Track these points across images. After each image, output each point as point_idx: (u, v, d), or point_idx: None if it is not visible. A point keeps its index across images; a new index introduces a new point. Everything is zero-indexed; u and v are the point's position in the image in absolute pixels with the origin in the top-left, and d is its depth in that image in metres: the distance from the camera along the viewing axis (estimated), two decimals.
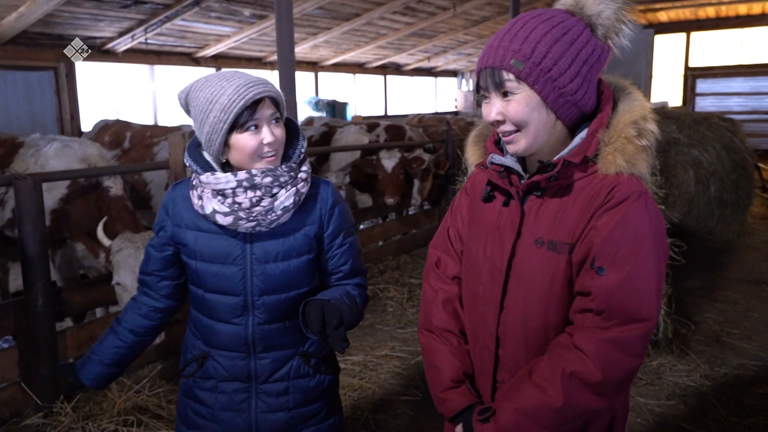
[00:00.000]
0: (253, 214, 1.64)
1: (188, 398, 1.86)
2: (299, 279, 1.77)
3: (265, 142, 1.61)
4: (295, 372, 1.80)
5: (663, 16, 16.92)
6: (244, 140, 1.61)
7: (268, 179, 1.63)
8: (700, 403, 3.56)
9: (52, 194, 3.91)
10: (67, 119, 9.57)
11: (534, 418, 1.35)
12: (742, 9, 15.60)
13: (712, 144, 7.30)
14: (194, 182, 1.71)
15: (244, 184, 1.62)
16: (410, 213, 7.83)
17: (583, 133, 1.40)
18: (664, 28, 17.50)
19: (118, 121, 6.29)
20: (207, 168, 1.67)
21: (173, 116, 11.61)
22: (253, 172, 1.63)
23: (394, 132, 7.71)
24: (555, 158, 1.39)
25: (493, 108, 1.38)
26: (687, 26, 17.18)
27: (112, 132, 5.96)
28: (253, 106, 1.59)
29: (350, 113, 14.55)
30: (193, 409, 1.84)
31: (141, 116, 10.93)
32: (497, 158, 1.48)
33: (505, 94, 1.36)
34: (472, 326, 1.58)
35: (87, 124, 9.61)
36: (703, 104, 17.02)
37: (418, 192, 6.76)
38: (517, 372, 1.46)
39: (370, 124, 7.83)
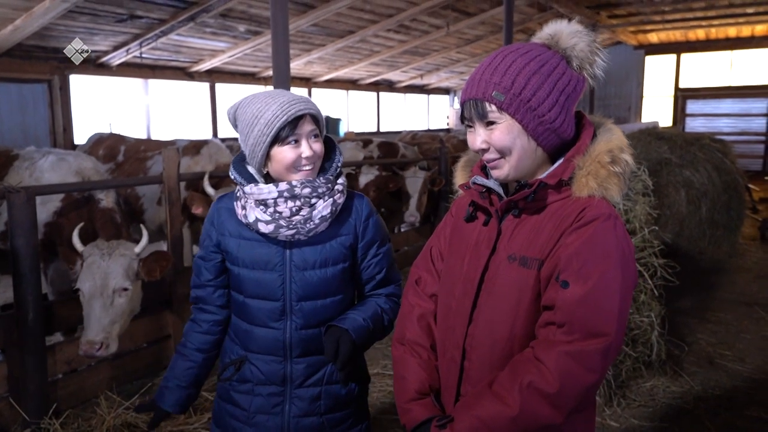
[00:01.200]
0: (293, 223, 1.75)
1: (225, 401, 1.95)
2: (335, 287, 1.87)
3: (303, 156, 1.74)
4: (328, 378, 1.89)
5: (653, 38, 17.14)
6: (284, 153, 1.73)
7: (307, 190, 1.75)
8: (694, 426, 3.55)
9: (47, 207, 3.88)
10: (59, 132, 9.54)
11: (490, 426, 1.37)
12: (732, 31, 15.84)
13: (704, 165, 7.35)
14: (238, 194, 1.84)
15: (285, 194, 1.74)
16: (402, 230, 7.82)
17: (561, 159, 1.48)
18: (654, 49, 17.74)
19: (112, 134, 6.27)
20: (251, 180, 1.81)
21: (166, 130, 11.59)
22: (293, 183, 1.74)
23: (387, 149, 7.73)
24: (531, 180, 1.48)
25: (478, 137, 1.47)
26: (677, 47, 17.41)
27: (106, 145, 5.94)
28: (295, 121, 1.72)
29: (343, 129, 14.58)
30: (229, 412, 1.92)
31: (134, 130, 10.91)
32: (480, 179, 1.56)
33: (488, 124, 1.45)
34: (441, 340, 1.63)
35: (80, 137, 9.58)
36: (693, 125, 17.20)
37: (416, 209, 6.74)
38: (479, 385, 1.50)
39: (364, 140, 7.85)
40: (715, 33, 16.16)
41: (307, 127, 1.75)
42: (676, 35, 16.69)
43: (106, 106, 10.65)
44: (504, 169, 1.47)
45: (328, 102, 15.69)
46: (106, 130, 6.65)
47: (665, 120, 17.20)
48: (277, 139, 1.72)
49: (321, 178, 1.79)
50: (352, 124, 16.41)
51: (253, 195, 1.77)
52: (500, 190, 1.54)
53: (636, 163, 4.79)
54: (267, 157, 1.76)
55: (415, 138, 10.77)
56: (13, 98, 9.02)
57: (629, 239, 1.44)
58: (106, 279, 3.34)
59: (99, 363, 3.87)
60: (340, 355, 1.74)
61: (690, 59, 17.48)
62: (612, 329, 1.34)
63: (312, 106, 1.76)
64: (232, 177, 1.84)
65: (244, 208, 1.80)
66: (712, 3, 12.93)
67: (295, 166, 1.74)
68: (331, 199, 1.79)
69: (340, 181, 1.85)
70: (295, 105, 1.72)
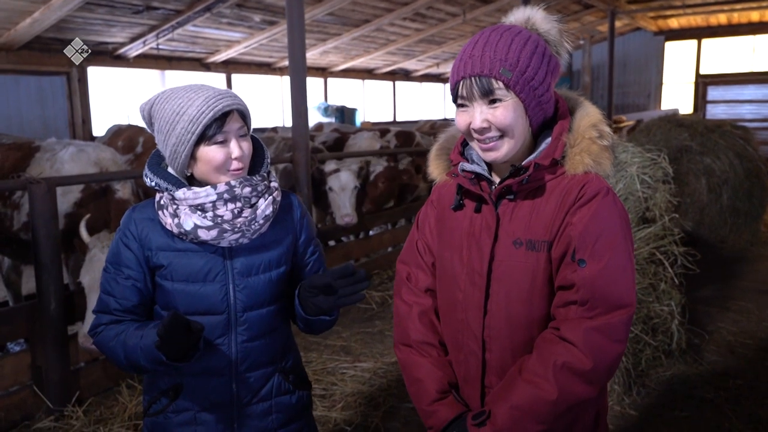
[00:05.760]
0: (237, 226, 1.61)
1: None
2: (280, 291, 1.75)
3: (233, 156, 1.59)
4: (277, 390, 1.76)
5: (674, 23, 16.87)
6: (212, 153, 1.58)
7: (247, 189, 1.62)
8: (715, 415, 3.52)
9: (67, 198, 3.92)
10: (78, 124, 9.64)
11: (530, 413, 1.38)
12: (755, 16, 15.54)
13: (725, 152, 7.26)
14: (162, 201, 1.65)
15: (225, 196, 1.59)
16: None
17: (548, 139, 1.48)
18: (675, 35, 17.46)
19: (130, 126, 6.31)
20: (178, 184, 1.63)
21: None
22: (232, 183, 1.60)
23: (404, 138, 7.72)
24: (525, 162, 1.47)
25: (478, 116, 1.42)
26: (698, 33, 17.12)
27: (125, 137, 5.98)
28: (222, 118, 1.56)
29: (359, 119, 14.57)
30: None
31: None
32: (468, 166, 1.53)
33: (492, 102, 1.41)
34: (452, 334, 1.59)
35: (98, 129, 9.67)
36: (714, 111, 16.94)
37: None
38: (504, 374, 1.50)
39: (381, 130, 7.85)
40: (738, 18, 15.87)
41: (235, 124, 1.60)
42: (697, 20, 16.41)
43: (123, 97, 10.73)
44: (502, 150, 1.44)
45: (344, 92, 15.67)
46: (124, 122, 6.69)
47: (686, 107, 16.96)
48: (203, 138, 1.56)
49: (257, 176, 1.66)
50: (368, 114, 16.38)
51: (188, 200, 1.59)
52: (489, 175, 1.53)
53: (656, 150, 4.74)
54: (191, 157, 1.60)
55: (433, 127, 10.74)
56: (32, 91, 9.12)
57: (625, 209, 1.48)
58: None
59: None
60: (331, 278, 1.55)
61: (711, 45, 17.18)
62: (632, 299, 1.40)
63: (239, 101, 1.61)
64: (152, 183, 1.65)
65: (175, 215, 1.61)
66: None
67: (224, 167, 1.59)
68: (271, 197, 1.67)
69: (272, 178, 1.73)
70: (222, 100, 1.56)
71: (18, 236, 4.11)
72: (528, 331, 1.47)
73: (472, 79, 1.41)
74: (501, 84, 1.39)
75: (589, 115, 1.49)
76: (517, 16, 1.50)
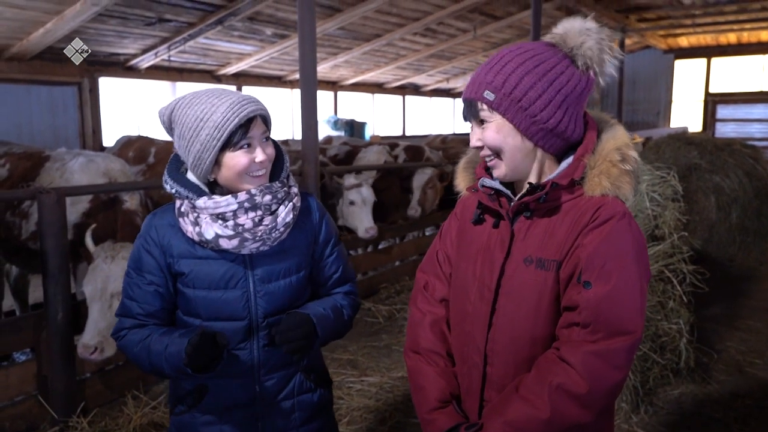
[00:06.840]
0: (258, 234, 1.63)
1: None
2: (299, 294, 1.77)
3: (257, 160, 1.60)
4: (298, 388, 1.79)
5: (683, 42, 16.88)
6: (236, 158, 1.59)
7: (267, 197, 1.63)
8: None
9: (76, 208, 3.94)
10: (89, 134, 9.70)
11: (522, 430, 1.37)
12: (765, 35, 15.54)
13: (734, 170, 7.25)
14: (183, 209, 1.66)
15: (246, 205, 1.61)
16: (427, 233, 7.80)
17: (569, 159, 1.48)
18: (684, 54, 17.48)
19: (140, 136, 6.35)
20: (198, 192, 1.64)
21: None
22: (253, 191, 1.61)
23: (413, 152, 7.73)
24: (543, 180, 1.48)
25: (473, 135, 1.50)
26: (708, 52, 17.14)
27: (136, 147, 6.01)
28: (247, 124, 1.58)
29: (368, 133, 14.61)
30: None
31: (161, 132, 11.04)
32: (488, 181, 1.55)
33: (481, 122, 1.47)
34: (459, 346, 1.61)
35: (109, 140, 9.73)
36: (723, 130, 16.91)
37: (417, 203, 6.76)
38: (504, 390, 1.49)
39: (391, 144, 7.87)
40: (747, 37, 15.88)
41: (259, 129, 1.61)
42: (706, 39, 16.43)
43: (134, 108, 10.80)
44: (501, 169, 1.48)
45: (354, 105, 15.72)
46: (134, 133, 6.74)
47: (695, 125, 16.94)
48: (228, 144, 1.57)
49: (277, 183, 1.67)
50: (377, 128, 16.42)
51: (209, 209, 1.61)
52: (508, 191, 1.54)
53: (665, 168, 4.72)
54: (215, 163, 1.61)
55: (444, 142, 10.76)
56: (44, 100, 9.19)
57: (643, 235, 1.46)
58: (106, 283, 3.33)
59: (127, 362, 3.91)
60: (293, 334, 1.60)
61: (721, 63, 17.18)
62: (636, 326, 1.37)
63: (262, 106, 1.62)
64: (172, 191, 1.66)
65: (196, 224, 1.63)
66: (744, 6, 12.71)
67: (248, 172, 1.61)
68: (291, 203, 1.69)
69: (292, 183, 1.75)
70: (247, 106, 1.57)
71: (26, 245, 4.13)
72: (531, 348, 1.47)
73: (465, 101, 1.49)
74: (485, 106, 1.44)
75: (615, 138, 1.47)
76: (556, 29, 1.49)
